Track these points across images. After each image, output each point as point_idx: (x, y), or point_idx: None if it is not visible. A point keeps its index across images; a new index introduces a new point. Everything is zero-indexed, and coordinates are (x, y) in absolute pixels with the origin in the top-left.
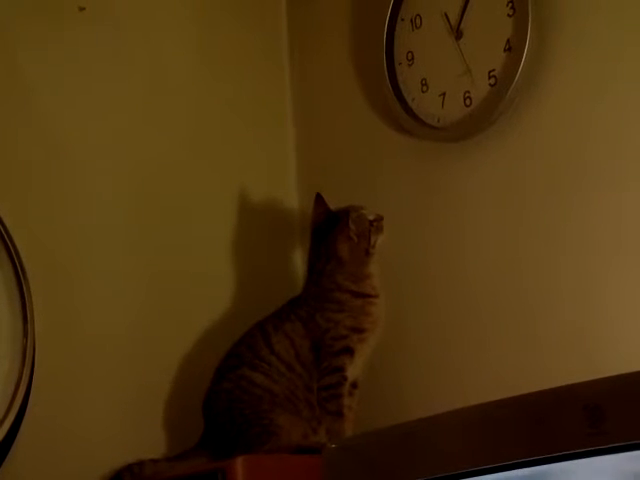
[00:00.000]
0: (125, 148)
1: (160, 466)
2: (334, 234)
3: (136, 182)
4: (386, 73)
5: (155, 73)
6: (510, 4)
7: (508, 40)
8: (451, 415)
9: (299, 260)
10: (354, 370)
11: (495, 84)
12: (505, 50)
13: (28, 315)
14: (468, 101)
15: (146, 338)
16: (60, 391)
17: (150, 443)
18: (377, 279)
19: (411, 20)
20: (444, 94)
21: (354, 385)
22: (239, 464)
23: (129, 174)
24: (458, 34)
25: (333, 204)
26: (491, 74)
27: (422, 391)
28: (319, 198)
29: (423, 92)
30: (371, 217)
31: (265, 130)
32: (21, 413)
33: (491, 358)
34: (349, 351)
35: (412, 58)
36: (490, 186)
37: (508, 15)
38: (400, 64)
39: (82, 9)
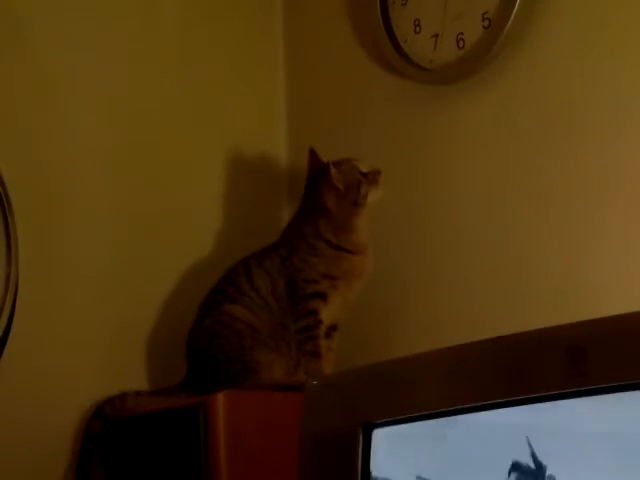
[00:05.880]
0: (112, 88)
1: (142, 399)
2: (319, 184)
3: (124, 122)
4: (379, 13)
5: (145, 16)
6: None
7: None
8: (432, 354)
9: (285, 201)
10: (331, 313)
11: (489, 26)
12: None
13: (12, 244)
14: (461, 43)
15: (131, 271)
16: (43, 321)
17: (134, 377)
18: (363, 234)
19: None
20: (437, 35)
21: (333, 327)
22: (220, 399)
23: (116, 113)
24: None
25: (322, 147)
26: (485, 16)
27: (406, 330)
28: (312, 153)
29: (416, 33)
30: (364, 169)
31: (255, 73)
32: (2, 343)
33: (475, 301)
34: (321, 296)
35: None
36: (481, 129)
37: None
38: (394, 4)
39: None
